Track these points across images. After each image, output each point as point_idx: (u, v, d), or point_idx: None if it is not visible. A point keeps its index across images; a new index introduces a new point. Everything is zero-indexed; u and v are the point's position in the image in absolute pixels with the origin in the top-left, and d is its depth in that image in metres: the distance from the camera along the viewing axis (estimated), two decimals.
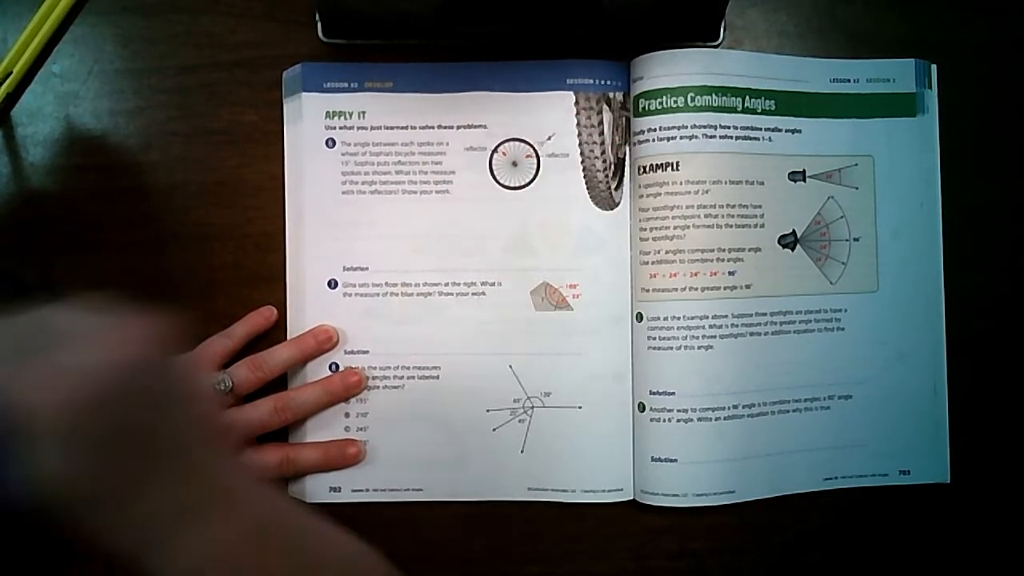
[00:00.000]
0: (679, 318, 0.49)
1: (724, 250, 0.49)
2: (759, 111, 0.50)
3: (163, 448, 0.29)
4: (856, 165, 0.52)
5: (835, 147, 0.51)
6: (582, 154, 0.51)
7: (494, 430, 0.50)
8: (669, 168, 0.49)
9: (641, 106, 0.50)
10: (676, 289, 0.49)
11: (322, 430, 0.50)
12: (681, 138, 0.49)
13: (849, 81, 0.52)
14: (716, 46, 0.52)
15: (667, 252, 0.49)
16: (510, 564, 0.48)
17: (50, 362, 0.26)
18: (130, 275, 0.51)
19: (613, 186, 0.51)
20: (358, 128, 0.50)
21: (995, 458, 0.53)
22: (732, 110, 0.50)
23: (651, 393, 0.50)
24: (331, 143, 0.50)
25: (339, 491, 0.50)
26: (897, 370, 0.52)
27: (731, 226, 0.49)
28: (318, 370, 0.50)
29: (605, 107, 0.51)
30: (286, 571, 0.33)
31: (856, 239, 0.52)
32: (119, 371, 0.28)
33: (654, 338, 0.50)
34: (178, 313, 0.51)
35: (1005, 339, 0.53)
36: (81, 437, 0.26)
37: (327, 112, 0.50)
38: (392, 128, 0.51)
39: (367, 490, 0.50)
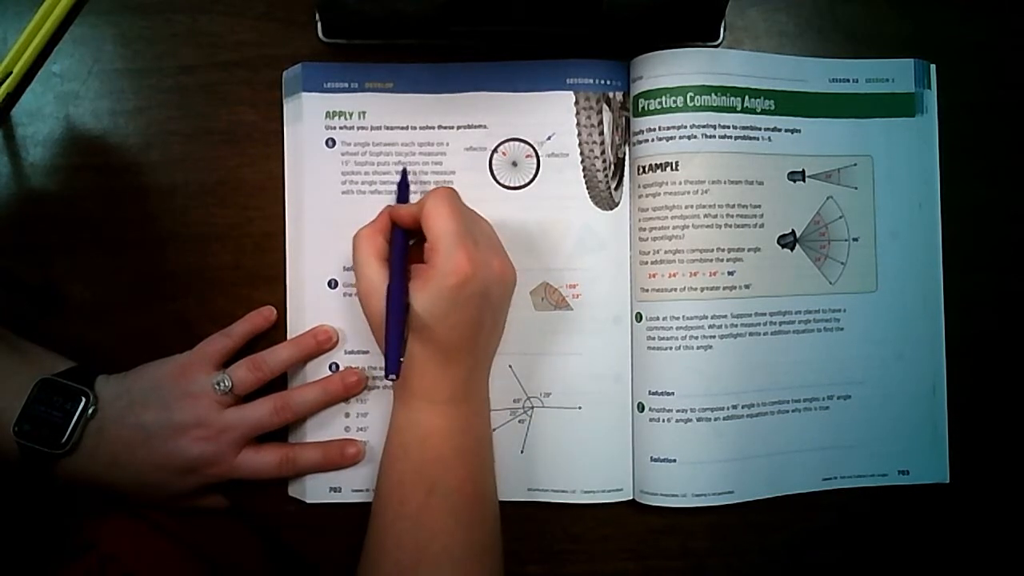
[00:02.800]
0: (678, 318, 0.49)
1: (723, 250, 0.49)
2: (758, 111, 0.50)
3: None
4: (855, 165, 0.52)
5: (834, 147, 0.51)
6: (582, 154, 0.51)
7: (494, 430, 0.50)
8: (668, 168, 0.49)
9: (641, 106, 0.50)
10: (675, 289, 0.49)
11: (322, 430, 0.50)
12: (680, 138, 0.49)
13: (848, 81, 0.52)
14: (716, 46, 0.52)
15: (666, 252, 0.49)
16: (510, 564, 0.48)
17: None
18: (130, 275, 0.51)
19: (613, 186, 0.51)
20: (358, 128, 0.51)
21: (994, 458, 0.53)
22: (731, 110, 0.50)
23: (650, 393, 0.50)
24: (331, 143, 0.50)
25: (339, 491, 0.50)
26: (896, 370, 0.52)
27: (730, 226, 0.49)
28: (318, 370, 0.50)
29: (605, 107, 0.51)
30: (484, 464, 0.47)
31: (855, 239, 0.52)
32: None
33: (653, 338, 0.50)
34: (178, 313, 0.52)
35: (1004, 339, 0.53)
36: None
37: (327, 112, 0.50)
38: (392, 128, 0.51)
39: (367, 490, 0.50)
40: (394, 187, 0.50)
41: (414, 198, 0.50)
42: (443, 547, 0.44)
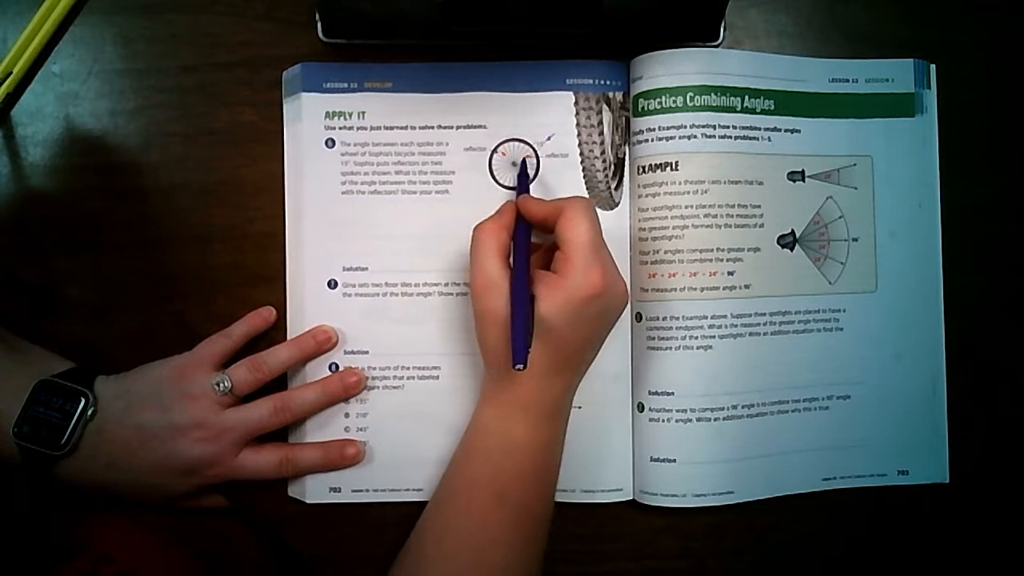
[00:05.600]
0: (678, 318, 0.49)
1: (723, 250, 0.49)
2: (758, 111, 0.50)
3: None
4: (855, 165, 0.52)
5: (834, 147, 0.51)
6: (582, 154, 0.51)
7: None
8: (668, 168, 0.49)
9: (640, 106, 0.50)
10: (675, 289, 0.49)
11: (322, 430, 0.50)
12: (680, 138, 0.49)
13: (848, 81, 0.52)
14: (716, 46, 0.52)
15: (666, 252, 0.49)
16: None
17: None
18: (130, 275, 0.51)
19: (613, 186, 0.51)
20: (358, 128, 0.51)
21: (994, 458, 0.53)
22: (731, 110, 0.50)
23: (650, 393, 0.50)
24: (331, 143, 0.50)
25: (339, 491, 0.50)
26: (895, 370, 0.52)
27: (730, 226, 0.49)
28: (318, 370, 0.50)
29: (605, 107, 0.51)
30: (553, 483, 0.46)
31: (855, 239, 0.52)
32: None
33: (653, 338, 0.50)
34: (178, 313, 0.52)
35: (1003, 339, 0.53)
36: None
37: (327, 112, 0.50)
38: (392, 128, 0.51)
39: (367, 490, 0.50)
40: (396, 188, 0.50)
41: (414, 198, 0.50)
42: (503, 557, 0.43)
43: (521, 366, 0.41)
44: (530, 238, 0.46)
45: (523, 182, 0.49)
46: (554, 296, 0.42)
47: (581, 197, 0.45)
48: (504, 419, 0.45)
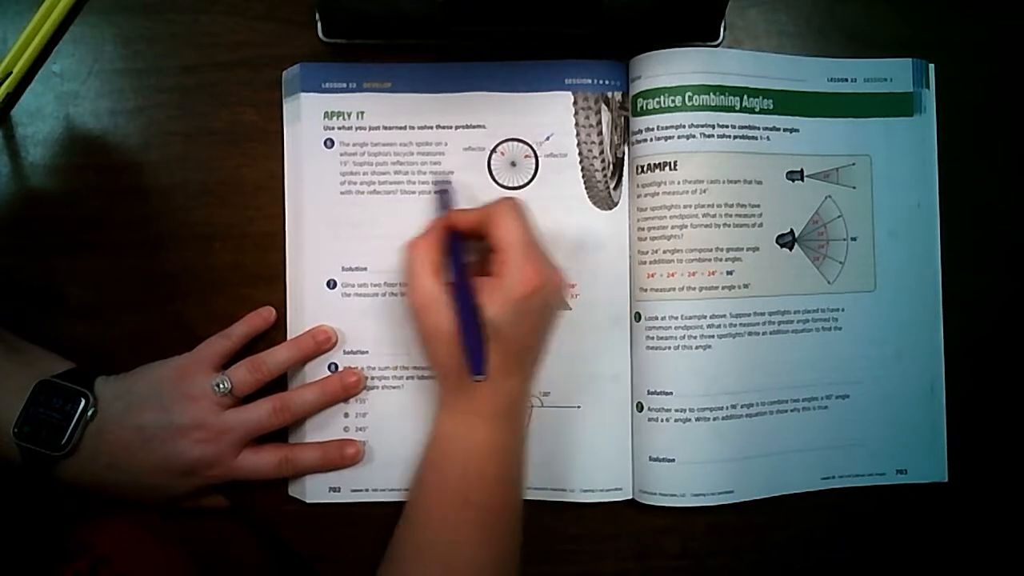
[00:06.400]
0: (677, 318, 0.49)
1: (722, 249, 0.49)
2: (757, 110, 0.50)
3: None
4: (854, 165, 0.52)
5: (833, 146, 0.52)
6: (580, 154, 0.51)
7: None
8: (667, 167, 0.49)
9: (639, 105, 0.50)
10: (674, 289, 0.49)
11: (321, 430, 0.50)
12: (679, 137, 0.49)
13: (847, 80, 0.52)
14: (716, 46, 0.52)
15: (665, 252, 0.49)
16: None
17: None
18: (130, 275, 0.51)
19: (612, 186, 0.51)
20: (357, 128, 0.51)
21: (993, 457, 0.53)
22: (730, 109, 0.50)
23: (649, 393, 0.50)
24: (329, 143, 0.51)
25: (338, 491, 0.50)
26: (894, 369, 0.52)
27: (729, 225, 0.49)
28: (317, 370, 0.50)
29: (604, 107, 0.51)
30: (519, 481, 0.46)
31: (854, 239, 0.52)
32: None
33: (652, 338, 0.50)
34: (178, 313, 0.52)
35: (1003, 339, 0.53)
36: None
37: (325, 112, 0.50)
38: (391, 128, 0.51)
39: (366, 490, 0.50)
40: (395, 188, 0.50)
41: (413, 198, 0.50)
42: (470, 559, 0.43)
43: (482, 376, 0.42)
44: (464, 250, 0.46)
45: (447, 198, 0.48)
46: (496, 299, 0.43)
47: (508, 197, 0.45)
48: (464, 426, 0.45)
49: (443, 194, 0.48)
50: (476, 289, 0.43)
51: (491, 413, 0.44)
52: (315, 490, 0.50)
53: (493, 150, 0.51)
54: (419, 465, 0.46)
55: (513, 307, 0.42)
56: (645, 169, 0.50)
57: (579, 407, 0.51)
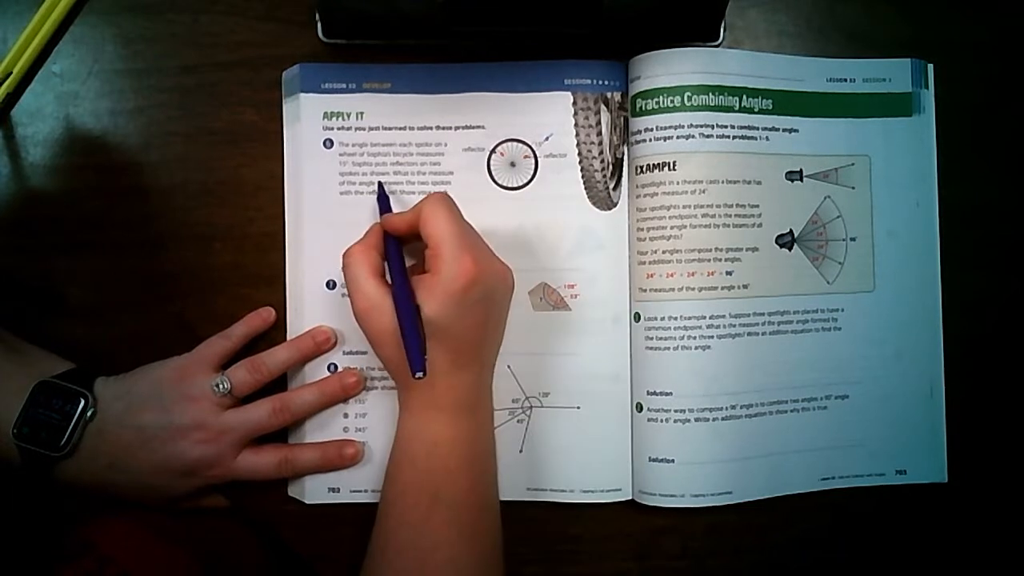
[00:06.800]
0: (676, 318, 0.49)
1: (721, 250, 0.49)
2: (756, 110, 0.50)
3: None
4: (853, 165, 0.52)
5: (832, 147, 0.52)
6: (580, 154, 0.51)
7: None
8: (666, 168, 0.49)
9: (638, 106, 0.50)
10: (673, 289, 0.49)
11: (321, 431, 0.50)
12: (678, 137, 0.49)
13: (846, 81, 0.52)
14: (716, 46, 0.52)
15: (664, 252, 0.49)
16: (510, 564, 0.48)
17: None
18: (130, 275, 0.51)
19: (611, 186, 0.51)
20: (356, 129, 0.51)
21: (992, 458, 0.53)
22: (729, 109, 0.50)
23: (649, 393, 0.50)
24: (329, 144, 0.51)
25: (338, 491, 0.50)
26: (894, 370, 0.52)
27: (728, 226, 0.49)
28: (317, 371, 0.50)
29: (603, 107, 0.51)
30: (488, 474, 0.47)
31: (853, 239, 0.52)
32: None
33: (651, 338, 0.50)
34: (178, 313, 0.52)
35: (1002, 339, 0.53)
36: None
37: (325, 113, 0.50)
38: (390, 129, 0.51)
39: (366, 491, 0.50)
40: (394, 189, 0.50)
41: (413, 199, 0.50)
42: (447, 558, 0.44)
43: (421, 374, 0.42)
44: (401, 252, 0.46)
45: (384, 203, 0.49)
46: (434, 295, 0.43)
47: (437, 192, 0.45)
48: (424, 422, 0.45)
49: (381, 198, 0.49)
50: (414, 288, 0.44)
51: (449, 406, 0.45)
52: (314, 491, 0.50)
53: (493, 150, 0.51)
54: (387, 468, 0.47)
55: (453, 301, 0.43)
56: (644, 169, 0.50)
57: (579, 407, 0.51)
